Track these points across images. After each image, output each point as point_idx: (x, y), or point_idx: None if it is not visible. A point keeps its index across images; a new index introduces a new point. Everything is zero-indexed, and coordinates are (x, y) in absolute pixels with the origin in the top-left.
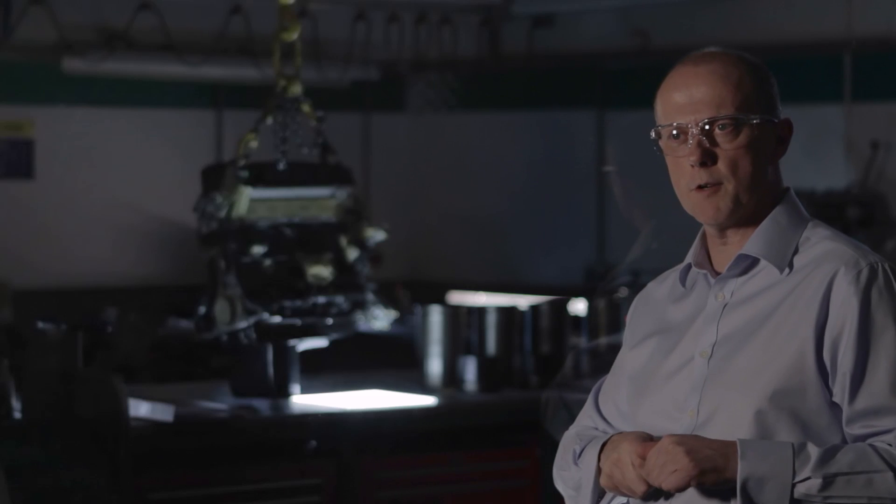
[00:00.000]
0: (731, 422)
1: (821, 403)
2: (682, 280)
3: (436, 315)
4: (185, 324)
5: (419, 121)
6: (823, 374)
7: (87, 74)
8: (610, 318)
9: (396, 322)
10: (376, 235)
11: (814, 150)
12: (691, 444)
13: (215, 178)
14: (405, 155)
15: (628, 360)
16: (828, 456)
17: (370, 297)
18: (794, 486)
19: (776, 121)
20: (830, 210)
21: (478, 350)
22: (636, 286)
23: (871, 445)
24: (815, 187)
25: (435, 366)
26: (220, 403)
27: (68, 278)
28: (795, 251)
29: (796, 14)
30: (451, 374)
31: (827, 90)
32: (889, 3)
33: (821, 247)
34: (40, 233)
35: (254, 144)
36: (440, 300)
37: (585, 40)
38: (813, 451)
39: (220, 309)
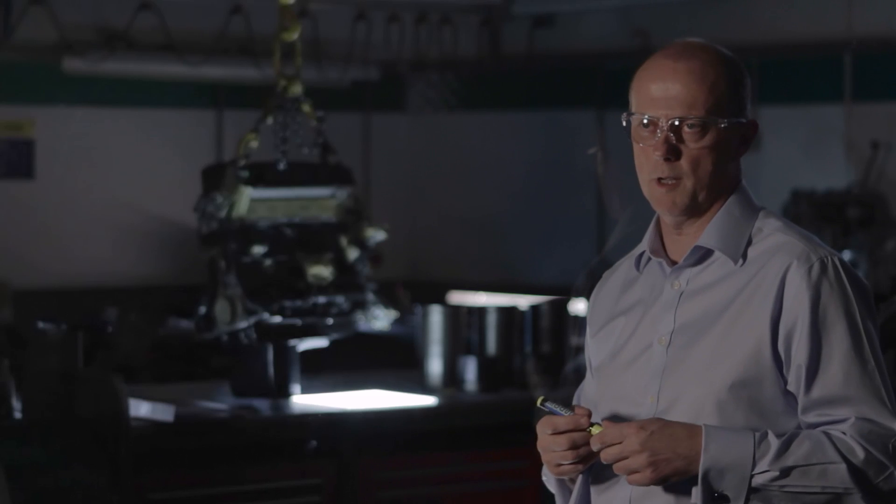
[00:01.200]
0: (692, 411)
1: (777, 392)
2: (637, 266)
3: (436, 315)
4: (186, 324)
5: (419, 121)
6: (779, 364)
7: (88, 74)
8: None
9: (397, 322)
10: (376, 235)
11: (814, 150)
12: (655, 446)
13: (215, 178)
14: (405, 155)
15: (592, 351)
16: (785, 447)
17: (370, 297)
18: (752, 476)
19: (744, 122)
20: (830, 210)
21: (478, 350)
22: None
23: (826, 435)
24: (816, 187)
25: (435, 366)
26: (220, 403)
27: (68, 278)
28: (749, 242)
29: (796, 14)
30: (452, 374)
31: (827, 90)
32: (889, 3)
33: (773, 239)
34: (40, 233)
35: (254, 144)
36: (440, 300)
37: (585, 40)
38: (773, 442)
39: (221, 309)
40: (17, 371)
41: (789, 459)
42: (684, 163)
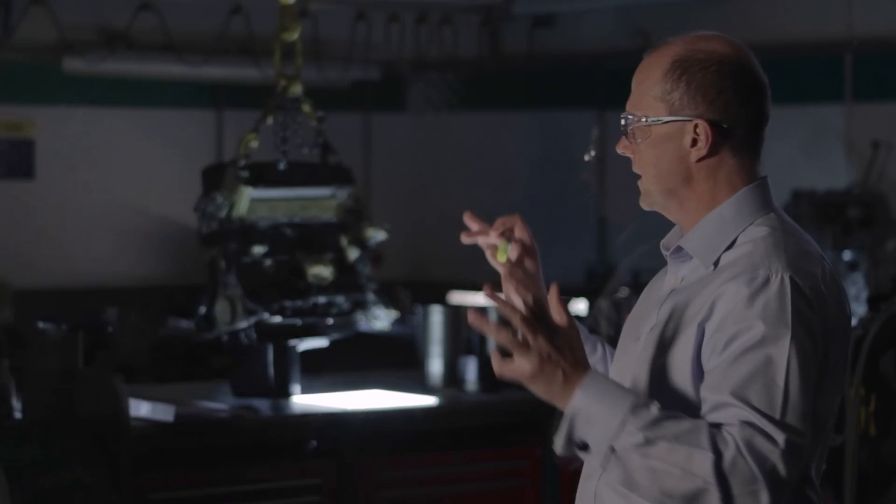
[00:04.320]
0: None
1: (694, 409)
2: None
3: (436, 315)
4: (186, 324)
5: (420, 121)
6: (700, 375)
7: (88, 74)
8: (612, 318)
9: (397, 322)
10: (377, 235)
11: (814, 151)
12: (555, 357)
13: (216, 178)
14: (406, 155)
15: None
16: (661, 419)
17: (371, 297)
18: (619, 434)
19: (688, 121)
20: (831, 210)
21: (478, 350)
22: (637, 286)
23: (711, 425)
24: (816, 187)
25: (436, 366)
26: (220, 403)
27: (68, 278)
28: (730, 247)
29: (797, 14)
30: (452, 375)
31: (828, 90)
32: (889, 4)
33: (742, 249)
34: (40, 233)
35: (254, 144)
36: (441, 300)
37: (585, 40)
38: (652, 411)
39: (221, 309)
40: (17, 371)
41: (660, 431)
42: (635, 160)
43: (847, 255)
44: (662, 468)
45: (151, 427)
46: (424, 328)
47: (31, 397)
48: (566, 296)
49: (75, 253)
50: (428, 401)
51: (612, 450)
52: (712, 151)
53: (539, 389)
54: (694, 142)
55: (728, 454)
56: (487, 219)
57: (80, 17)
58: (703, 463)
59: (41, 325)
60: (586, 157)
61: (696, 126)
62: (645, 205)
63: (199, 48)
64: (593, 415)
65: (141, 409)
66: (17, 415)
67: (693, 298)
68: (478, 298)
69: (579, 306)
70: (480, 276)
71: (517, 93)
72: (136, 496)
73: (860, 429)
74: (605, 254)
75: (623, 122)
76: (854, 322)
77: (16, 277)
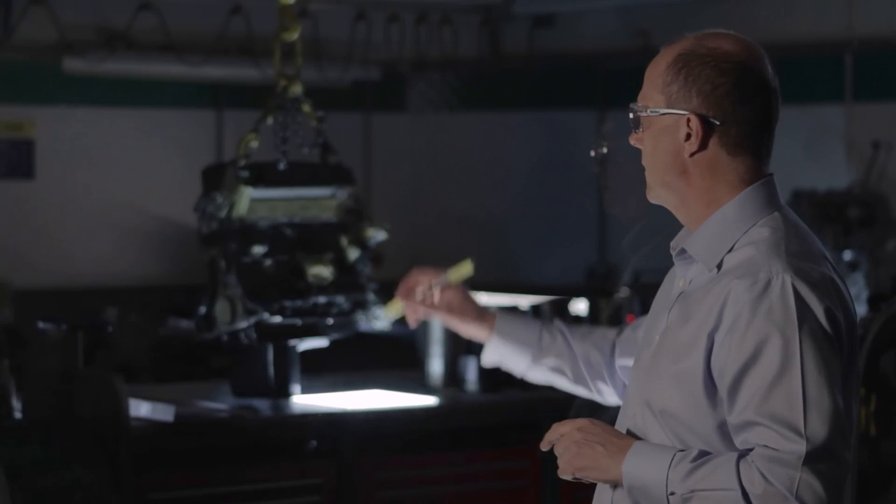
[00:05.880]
0: (631, 422)
1: (706, 414)
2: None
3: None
4: (186, 324)
5: (420, 121)
6: (710, 386)
7: (88, 74)
8: (612, 318)
9: (397, 322)
10: (377, 235)
11: (815, 150)
12: (589, 437)
13: (216, 178)
14: (406, 155)
15: None
16: (693, 470)
17: (371, 297)
18: (668, 496)
19: (681, 114)
20: (831, 210)
21: (479, 350)
22: (638, 287)
23: (739, 460)
24: (817, 187)
25: (436, 366)
26: (220, 403)
27: (68, 278)
28: (732, 248)
29: (797, 14)
30: (452, 375)
31: (828, 90)
32: (890, 4)
33: (743, 252)
34: (40, 233)
35: (254, 144)
36: None
37: (586, 40)
38: (686, 464)
39: (221, 309)
40: (17, 371)
41: (695, 483)
42: (643, 152)
43: (847, 255)
44: None
45: (151, 427)
46: (424, 328)
47: (31, 397)
48: (566, 296)
49: (75, 253)
50: (428, 401)
51: None
52: (704, 147)
53: (592, 474)
54: (688, 136)
55: (756, 488)
56: (488, 219)
57: (80, 17)
58: (734, 500)
59: (41, 325)
60: (592, 153)
61: (688, 120)
62: (650, 197)
63: (199, 48)
64: (642, 485)
65: (141, 409)
66: (17, 415)
67: (700, 302)
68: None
69: (580, 306)
70: (480, 276)
71: (517, 93)
72: (136, 496)
73: (860, 429)
74: (606, 254)
75: (631, 113)
76: None
77: (16, 277)
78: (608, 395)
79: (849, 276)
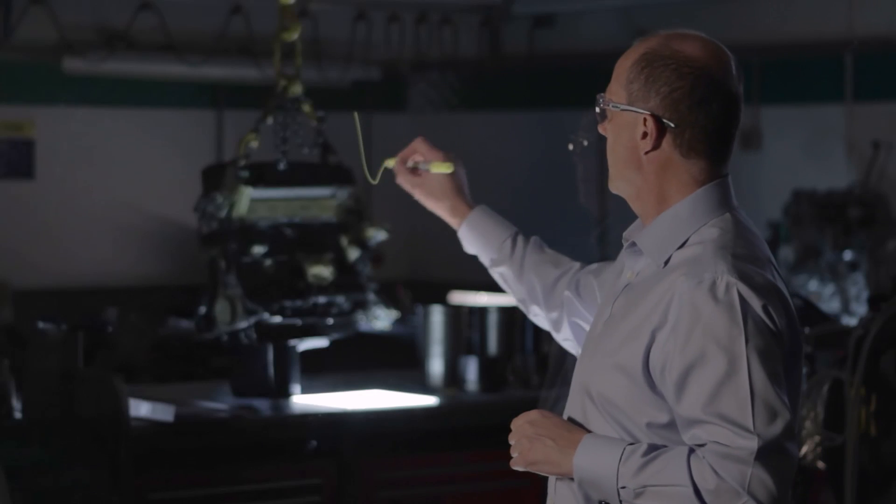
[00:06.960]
0: (573, 410)
1: (647, 407)
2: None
3: (437, 315)
4: (186, 324)
5: (420, 121)
6: (650, 378)
7: (88, 74)
8: None
9: (398, 322)
10: (377, 235)
11: (815, 151)
12: (540, 431)
13: (216, 178)
14: None
15: None
16: (645, 465)
17: (371, 297)
18: (618, 490)
19: (639, 113)
20: (831, 210)
21: (479, 350)
22: None
23: (690, 456)
24: (817, 187)
25: (436, 366)
26: (220, 403)
27: (68, 278)
28: (684, 244)
29: (797, 14)
30: (453, 374)
31: (828, 90)
32: (890, 4)
33: (691, 250)
34: (40, 233)
35: (254, 144)
36: (441, 300)
37: (586, 40)
38: (637, 459)
39: (221, 309)
40: (17, 371)
41: (646, 478)
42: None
43: (847, 255)
44: None
45: (151, 427)
46: (425, 328)
47: (31, 397)
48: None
49: (75, 253)
50: (428, 401)
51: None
52: (658, 146)
53: (544, 468)
54: (644, 134)
55: (708, 484)
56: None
57: (80, 17)
58: (685, 497)
59: (41, 325)
60: (570, 146)
61: (645, 120)
62: (611, 188)
63: (199, 48)
64: (593, 478)
65: (141, 409)
66: (17, 415)
67: (645, 296)
68: (478, 298)
69: None
70: (481, 276)
71: (517, 93)
72: (136, 496)
73: (860, 429)
74: (606, 254)
75: (597, 106)
76: (855, 322)
77: (16, 277)
78: (540, 320)
79: (849, 276)
